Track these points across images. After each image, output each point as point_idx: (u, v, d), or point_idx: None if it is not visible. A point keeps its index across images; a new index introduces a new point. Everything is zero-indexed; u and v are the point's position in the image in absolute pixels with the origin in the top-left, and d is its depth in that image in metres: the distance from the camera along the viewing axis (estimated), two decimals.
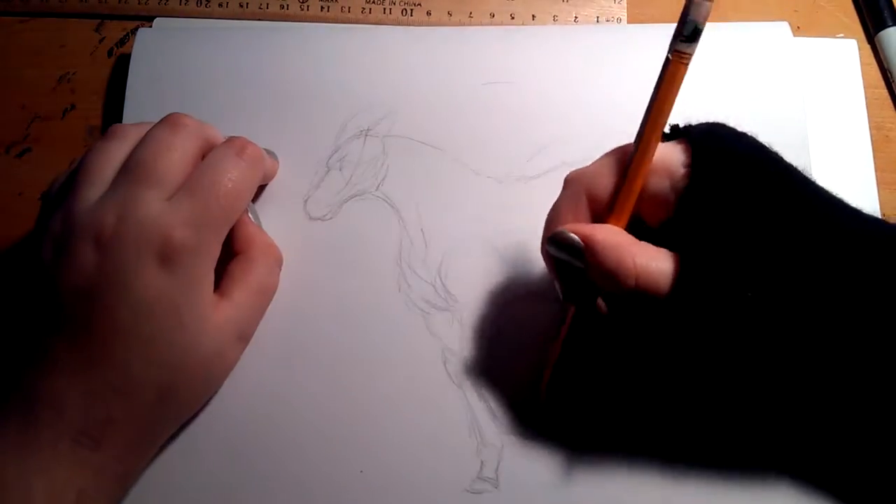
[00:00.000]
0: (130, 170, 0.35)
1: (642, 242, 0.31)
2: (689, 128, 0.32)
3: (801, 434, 0.35)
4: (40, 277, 0.34)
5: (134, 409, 0.33)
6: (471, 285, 0.39)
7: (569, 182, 0.34)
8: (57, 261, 0.33)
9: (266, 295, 0.38)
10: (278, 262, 0.39)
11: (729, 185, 0.30)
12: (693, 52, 0.30)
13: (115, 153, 0.36)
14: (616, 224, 0.32)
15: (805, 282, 0.29)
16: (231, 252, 0.38)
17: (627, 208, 0.32)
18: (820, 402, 0.31)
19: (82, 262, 0.33)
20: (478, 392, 0.37)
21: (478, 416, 0.37)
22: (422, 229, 0.40)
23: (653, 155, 0.31)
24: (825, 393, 0.30)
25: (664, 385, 0.36)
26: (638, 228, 0.32)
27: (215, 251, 0.35)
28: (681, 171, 0.31)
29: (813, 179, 0.32)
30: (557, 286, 0.34)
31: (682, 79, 0.30)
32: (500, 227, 0.40)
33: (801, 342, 0.29)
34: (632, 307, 0.32)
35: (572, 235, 0.31)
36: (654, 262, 0.30)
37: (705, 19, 0.29)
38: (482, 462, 0.36)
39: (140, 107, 0.42)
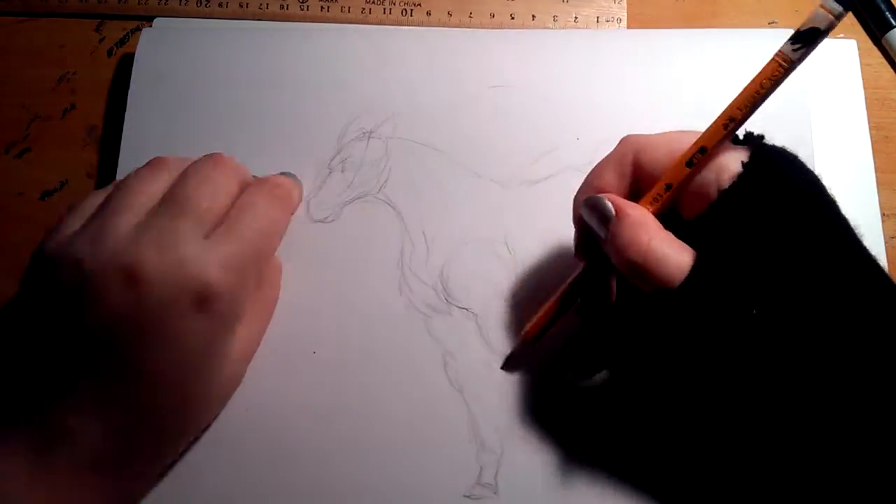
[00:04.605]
0: (171, 201, 0.33)
1: (667, 232, 0.31)
2: (759, 137, 0.31)
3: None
4: (62, 308, 0.31)
5: (155, 442, 0.33)
6: (472, 289, 0.39)
7: (623, 142, 0.33)
8: (84, 293, 0.31)
9: (272, 310, 0.38)
10: (279, 272, 0.39)
11: (772, 200, 0.29)
12: (795, 58, 0.29)
13: (154, 184, 0.34)
14: (653, 201, 0.32)
15: (811, 322, 0.28)
16: None
17: (672, 185, 0.31)
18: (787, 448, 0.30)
19: (114, 298, 0.31)
20: (478, 397, 0.37)
21: (477, 422, 0.37)
22: (423, 232, 0.40)
23: (714, 146, 0.30)
24: (793, 438, 0.29)
25: (650, 387, 0.36)
26: (673, 221, 0.32)
27: (250, 292, 0.35)
28: (731, 170, 0.30)
29: (857, 236, 0.30)
30: (575, 239, 0.35)
31: (771, 79, 0.30)
32: (502, 230, 0.40)
33: (786, 378, 0.28)
34: (638, 296, 0.31)
35: (607, 203, 0.31)
36: (669, 250, 0.30)
37: (822, 28, 0.28)
38: (481, 468, 0.36)
39: (143, 107, 0.42)
